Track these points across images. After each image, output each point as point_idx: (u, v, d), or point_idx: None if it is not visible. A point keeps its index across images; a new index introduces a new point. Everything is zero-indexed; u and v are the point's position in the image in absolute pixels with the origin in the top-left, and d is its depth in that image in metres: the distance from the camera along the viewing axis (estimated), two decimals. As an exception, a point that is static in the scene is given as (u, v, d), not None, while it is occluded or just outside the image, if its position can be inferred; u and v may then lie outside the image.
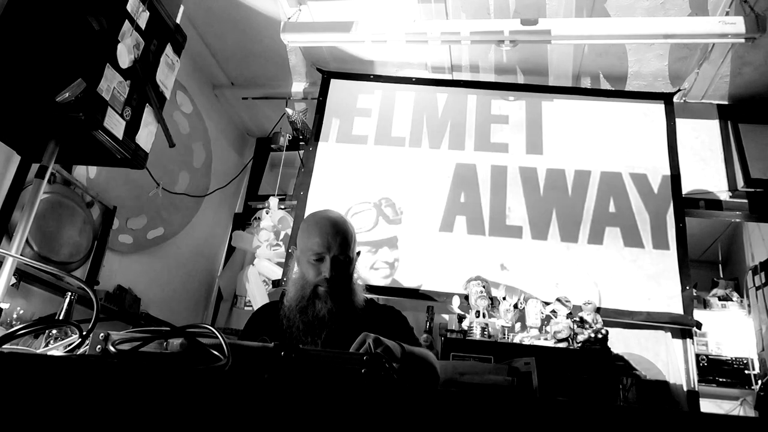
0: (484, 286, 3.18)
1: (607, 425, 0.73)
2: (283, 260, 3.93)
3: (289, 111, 4.16)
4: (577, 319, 3.08)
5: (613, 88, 3.97)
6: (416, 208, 3.70)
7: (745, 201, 3.70)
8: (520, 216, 3.62)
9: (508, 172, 3.73)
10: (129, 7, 2.23)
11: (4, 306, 2.08)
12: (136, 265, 3.60)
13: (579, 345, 2.99)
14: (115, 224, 3.36)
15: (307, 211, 3.68)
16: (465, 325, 3.12)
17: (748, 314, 4.16)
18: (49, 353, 0.99)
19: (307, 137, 4.17)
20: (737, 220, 3.94)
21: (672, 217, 3.53)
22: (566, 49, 3.71)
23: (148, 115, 2.40)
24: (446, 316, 3.50)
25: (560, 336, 3.01)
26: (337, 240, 1.61)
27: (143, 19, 2.33)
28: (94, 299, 1.04)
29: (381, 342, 1.31)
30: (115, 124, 2.18)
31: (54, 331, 1.70)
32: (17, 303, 2.56)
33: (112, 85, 2.15)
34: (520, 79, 4.04)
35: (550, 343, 3.01)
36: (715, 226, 4.90)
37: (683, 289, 3.35)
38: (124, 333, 0.95)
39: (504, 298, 3.22)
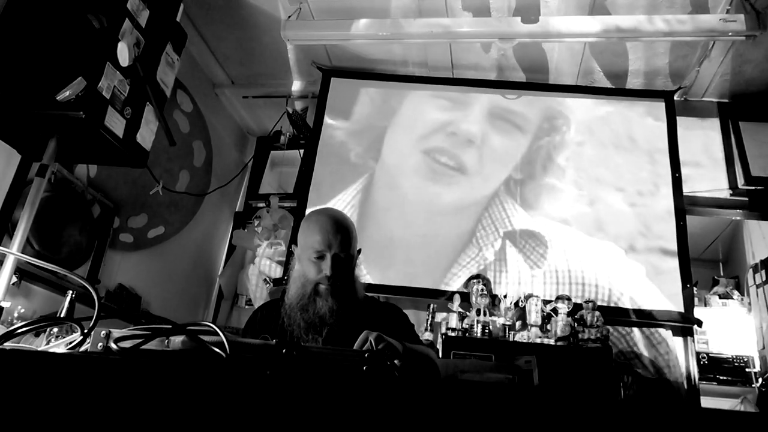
0: (485, 284, 3.18)
1: (608, 422, 0.73)
2: (284, 259, 3.93)
3: (290, 109, 4.16)
4: (578, 317, 3.08)
5: (614, 86, 3.96)
6: (417, 206, 3.70)
7: (746, 199, 3.70)
8: (522, 214, 3.62)
9: (487, 138, 3.73)
10: (129, 6, 2.23)
11: (5, 305, 2.08)
12: (136, 264, 3.60)
13: (580, 343, 2.99)
14: (116, 223, 3.36)
15: (308, 210, 3.68)
16: (466, 323, 3.12)
17: (748, 312, 4.15)
18: (51, 351, 1.00)
19: (307, 135, 4.17)
20: (738, 218, 3.93)
21: (672, 216, 3.53)
22: (566, 47, 3.71)
23: (148, 114, 2.40)
24: (447, 315, 3.50)
25: (561, 334, 3.01)
26: (338, 238, 1.61)
27: (143, 17, 2.33)
28: (95, 296, 1.04)
29: (383, 340, 1.31)
30: (115, 122, 2.18)
31: (55, 330, 1.70)
32: (18, 302, 2.56)
33: (112, 83, 2.15)
34: (521, 78, 4.04)
35: (551, 342, 3.01)
36: (715, 224, 4.89)
37: (684, 287, 3.35)
38: (125, 330, 0.95)
39: (505, 296, 3.22)
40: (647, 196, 3.61)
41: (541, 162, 3.73)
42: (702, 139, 3.90)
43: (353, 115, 4.05)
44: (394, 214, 3.70)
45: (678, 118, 3.82)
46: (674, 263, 3.42)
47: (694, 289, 3.50)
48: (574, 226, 3.57)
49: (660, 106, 3.85)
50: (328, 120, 4.03)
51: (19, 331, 0.97)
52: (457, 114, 3.90)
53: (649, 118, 3.82)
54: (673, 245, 3.46)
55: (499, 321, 3.13)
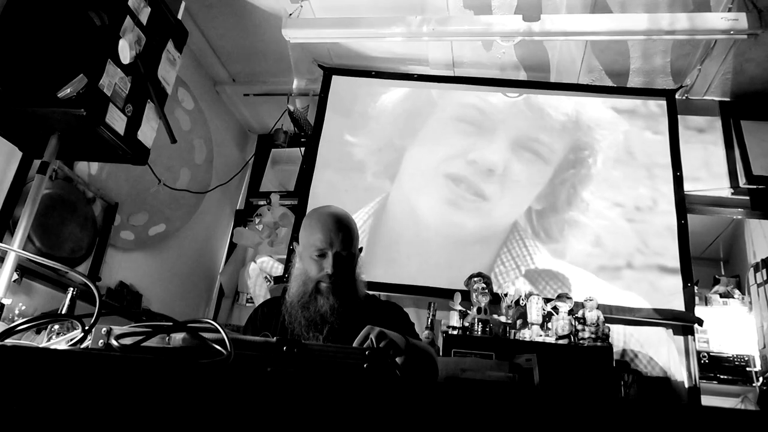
0: (486, 283, 3.18)
1: (608, 421, 0.73)
2: (284, 257, 3.93)
3: (291, 107, 4.16)
4: (579, 315, 3.08)
5: (615, 85, 3.96)
6: (419, 204, 3.70)
7: (747, 198, 3.69)
8: (523, 213, 3.61)
9: (509, 168, 3.72)
10: (130, 3, 2.23)
11: (6, 302, 2.08)
12: (137, 262, 3.60)
13: (580, 342, 2.99)
14: (117, 220, 3.37)
15: (309, 208, 3.68)
16: (467, 321, 3.12)
17: (749, 311, 4.15)
18: (52, 347, 1.00)
19: (308, 133, 4.17)
20: (739, 217, 3.93)
21: (674, 214, 3.53)
22: (568, 45, 3.70)
23: (149, 111, 2.40)
24: (448, 313, 3.50)
25: (562, 333, 3.01)
26: (340, 236, 1.61)
27: (145, 14, 2.33)
28: (95, 293, 1.04)
29: (384, 335, 1.31)
30: (116, 120, 2.18)
31: (56, 326, 1.70)
32: (19, 299, 2.57)
33: (113, 81, 2.15)
34: (522, 76, 4.03)
35: (552, 340, 3.01)
36: (716, 223, 4.89)
37: (685, 286, 3.35)
38: (126, 327, 0.95)
39: (506, 295, 3.22)
40: (645, 212, 3.57)
41: (566, 195, 3.64)
42: (703, 138, 3.89)
43: (356, 112, 4.03)
44: (410, 238, 3.63)
45: (679, 116, 3.81)
46: (675, 262, 3.41)
47: (695, 287, 3.50)
48: (573, 243, 3.52)
49: (660, 120, 3.81)
50: (329, 117, 4.02)
51: (21, 327, 0.97)
52: (480, 140, 3.78)
53: (648, 132, 3.79)
54: (672, 263, 3.42)
55: (500, 319, 3.13)
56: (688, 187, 3.65)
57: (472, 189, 3.66)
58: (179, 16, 2.61)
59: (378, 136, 3.94)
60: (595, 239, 3.53)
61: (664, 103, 3.85)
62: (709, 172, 3.79)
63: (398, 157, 3.87)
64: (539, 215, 3.61)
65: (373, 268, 3.46)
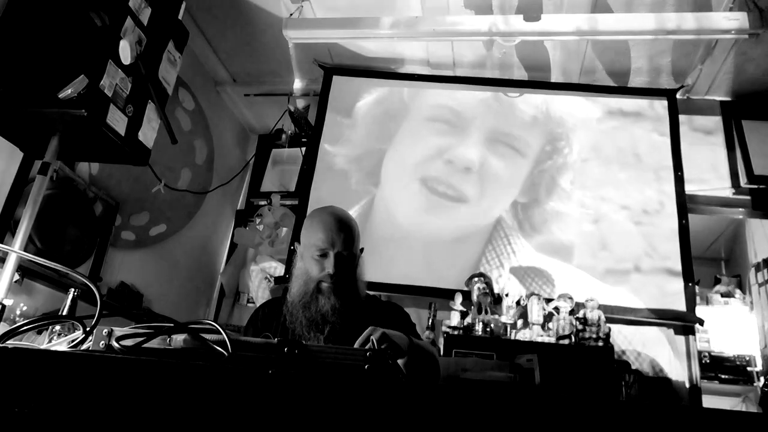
0: (486, 283, 3.18)
1: (609, 422, 0.73)
2: (285, 257, 3.93)
3: (291, 107, 4.16)
4: (580, 315, 3.08)
5: (616, 85, 3.95)
6: (419, 204, 3.70)
7: (748, 198, 3.68)
8: (523, 213, 3.61)
9: (486, 164, 3.72)
10: (131, 4, 2.23)
11: (8, 302, 2.08)
12: (138, 262, 3.60)
13: (581, 342, 2.99)
14: (118, 221, 3.37)
15: (309, 208, 3.68)
16: (467, 321, 3.12)
17: (750, 311, 4.15)
18: (53, 349, 1.00)
19: (309, 133, 4.17)
20: (740, 216, 3.93)
21: (675, 214, 3.52)
22: (568, 45, 3.70)
23: (150, 112, 2.40)
24: (449, 313, 3.50)
25: (563, 333, 3.01)
26: (341, 236, 1.61)
27: (145, 15, 2.33)
28: (96, 295, 1.04)
29: (386, 336, 1.31)
30: (117, 120, 2.18)
31: (57, 327, 1.70)
32: (20, 299, 2.57)
33: (114, 81, 2.15)
34: (522, 76, 4.03)
35: (553, 340, 3.01)
36: (717, 222, 4.88)
37: (686, 286, 3.35)
38: (127, 329, 0.95)
39: (506, 295, 3.22)
40: (653, 215, 3.55)
41: (546, 186, 3.64)
42: (704, 138, 3.89)
43: (356, 112, 4.03)
44: (392, 244, 3.63)
45: (680, 116, 3.81)
46: (676, 262, 3.41)
47: (696, 287, 3.49)
48: (580, 246, 3.51)
49: (664, 122, 3.80)
50: (329, 117, 4.02)
51: (22, 329, 0.97)
52: (454, 139, 3.79)
53: (654, 134, 3.77)
54: (676, 243, 3.43)
55: (501, 319, 3.13)
56: (693, 187, 3.65)
57: (450, 190, 3.66)
58: (180, 17, 2.61)
59: (357, 140, 3.95)
60: (579, 231, 3.53)
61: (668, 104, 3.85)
62: (711, 172, 3.78)
63: (380, 160, 3.87)
64: (524, 208, 3.62)
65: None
